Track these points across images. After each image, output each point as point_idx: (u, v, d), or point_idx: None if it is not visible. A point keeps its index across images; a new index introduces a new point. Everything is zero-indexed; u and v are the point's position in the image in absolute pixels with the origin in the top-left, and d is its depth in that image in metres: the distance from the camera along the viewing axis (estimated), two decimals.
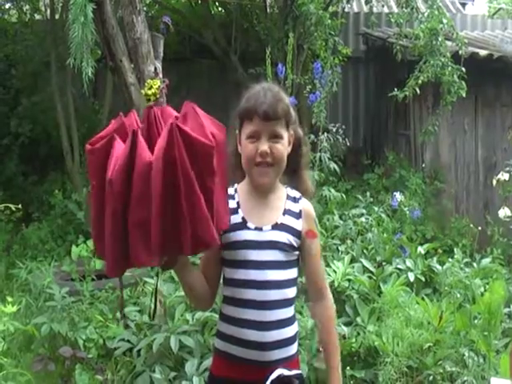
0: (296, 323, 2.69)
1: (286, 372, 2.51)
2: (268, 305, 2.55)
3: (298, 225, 2.63)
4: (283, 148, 2.56)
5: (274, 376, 2.48)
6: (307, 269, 2.71)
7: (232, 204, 2.59)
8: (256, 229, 2.57)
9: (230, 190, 2.62)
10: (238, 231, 2.55)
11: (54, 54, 10.16)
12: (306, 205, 2.71)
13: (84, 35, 6.61)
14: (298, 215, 2.65)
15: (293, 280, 2.63)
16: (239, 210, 2.60)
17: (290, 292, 2.62)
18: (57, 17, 10.96)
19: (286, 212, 2.64)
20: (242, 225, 2.57)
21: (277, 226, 2.59)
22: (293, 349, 2.65)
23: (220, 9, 12.91)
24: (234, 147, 2.65)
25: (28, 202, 10.21)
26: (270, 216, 2.61)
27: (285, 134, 2.57)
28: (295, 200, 2.69)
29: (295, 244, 2.61)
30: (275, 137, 2.54)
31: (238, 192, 2.66)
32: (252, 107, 2.52)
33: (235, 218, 2.57)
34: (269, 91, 2.57)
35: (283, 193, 2.69)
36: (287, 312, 2.61)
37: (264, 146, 2.51)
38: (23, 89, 11.52)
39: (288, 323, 2.62)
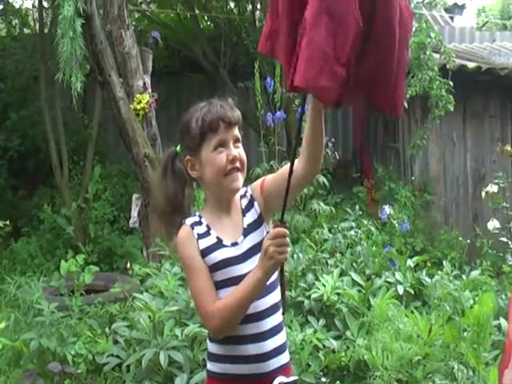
0: (284, 329, 2.69)
1: (285, 379, 2.55)
2: (264, 313, 2.57)
3: (257, 210, 2.64)
4: (243, 151, 2.60)
5: None
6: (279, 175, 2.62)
7: (202, 229, 2.58)
8: (232, 245, 2.57)
9: (194, 218, 2.63)
10: (215, 252, 2.54)
11: (43, 68, 10.16)
12: (250, 186, 2.71)
13: (73, 50, 6.63)
14: (251, 203, 2.65)
15: (277, 280, 2.62)
16: (211, 232, 2.58)
17: (277, 294, 2.63)
18: (46, 31, 10.96)
19: (245, 211, 2.64)
20: (219, 244, 2.56)
21: (246, 231, 2.60)
22: (286, 356, 2.66)
23: (209, 23, 12.94)
24: (174, 188, 2.64)
25: (17, 216, 10.21)
26: (238, 225, 2.61)
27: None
28: (245, 195, 2.68)
29: (267, 229, 2.63)
30: (237, 141, 2.58)
31: (203, 216, 2.63)
32: (215, 117, 2.52)
33: (210, 240, 2.56)
34: (216, 102, 2.59)
35: (237, 195, 2.68)
36: (278, 317, 2.63)
37: (234, 152, 2.53)
38: (12, 103, 11.52)
39: (280, 329, 2.64)
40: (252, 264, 2.48)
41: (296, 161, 2.44)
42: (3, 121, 11.33)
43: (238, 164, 2.55)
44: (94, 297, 6.15)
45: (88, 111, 11.56)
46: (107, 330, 5.43)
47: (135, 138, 7.32)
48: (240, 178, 2.58)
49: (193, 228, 2.57)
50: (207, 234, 2.57)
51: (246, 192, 2.68)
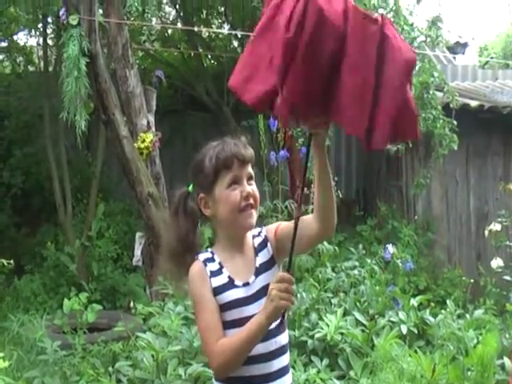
0: (290, 370, 2.70)
1: None
2: (272, 354, 2.57)
3: (269, 251, 2.65)
4: (256, 189, 2.61)
5: None
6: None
7: (214, 266, 2.58)
8: (244, 285, 2.57)
9: (207, 254, 2.63)
10: (227, 292, 2.54)
11: (47, 106, 10.19)
12: (265, 228, 2.73)
13: (77, 89, 6.68)
14: (265, 243, 2.66)
15: (285, 321, 2.61)
16: (223, 270, 2.58)
17: (286, 336, 2.65)
18: (50, 69, 11.02)
19: (257, 250, 2.65)
20: (230, 284, 2.56)
21: (258, 271, 2.60)
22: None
23: (212, 61, 13.02)
24: (186, 228, 2.65)
25: (20, 253, 10.19)
26: (250, 265, 2.61)
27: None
28: (259, 234, 2.69)
29: (279, 270, 2.64)
30: (250, 178, 2.59)
31: (215, 253, 2.63)
32: (229, 154, 2.54)
33: (222, 279, 2.56)
34: (230, 140, 2.62)
35: (249, 234, 2.69)
36: (286, 358, 2.65)
37: (248, 188, 2.55)
38: (16, 140, 11.55)
39: (287, 370, 2.66)
40: (261, 305, 2.48)
41: (310, 216, 2.50)
42: (7, 158, 11.36)
43: (251, 201, 2.55)
44: (97, 335, 6.15)
45: (92, 149, 11.60)
46: (110, 369, 5.41)
47: (139, 176, 7.33)
48: (254, 215, 2.58)
49: (206, 265, 2.57)
50: (219, 272, 2.57)
51: (260, 232, 2.69)
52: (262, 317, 2.37)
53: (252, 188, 2.58)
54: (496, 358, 5.49)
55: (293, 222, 2.50)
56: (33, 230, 10.98)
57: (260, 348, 2.50)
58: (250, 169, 2.60)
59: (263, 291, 2.53)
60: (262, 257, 2.64)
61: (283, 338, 2.62)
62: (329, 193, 2.47)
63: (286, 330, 2.65)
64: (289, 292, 2.32)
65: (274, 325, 2.44)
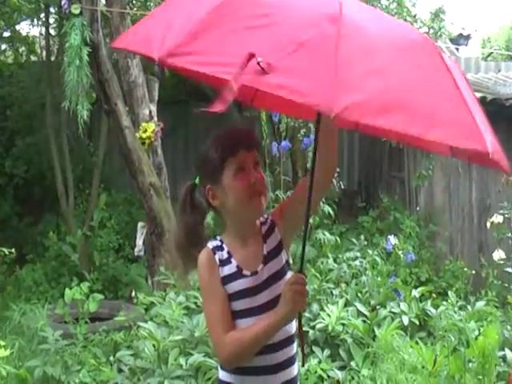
0: (296, 362, 2.69)
1: None
2: (278, 345, 2.57)
3: (277, 236, 2.64)
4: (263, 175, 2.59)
5: None
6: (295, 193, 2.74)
7: (223, 255, 2.57)
8: (252, 274, 2.56)
9: (216, 242, 2.61)
10: (235, 281, 2.53)
11: (50, 95, 10.17)
12: (270, 213, 2.73)
13: (79, 78, 6.67)
14: (272, 229, 2.65)
15: None
16: (232, 260, 2.56)
17: (292, 326, 2.64)
18: (53, 59, 11.01)
19: (265, 237, 2.63)
20: (238, 274, 2.55)
21: (266, 258, 2.59)
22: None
23: None
24: (194, 221, 2.64)
25: (22, 243, 10.19)
26: (258, 253, 2.60)
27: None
28: (266, 221, 2.68)
29: (286, 256, 2.64)
30: (256, 164, 2.56)
31: (224, 241, 2.62)
32: (234, 142, 2.52)
33: (230, 268, 2.55)
34: (234, 129, 2.67)
35: (257, 222, 2.68)
36: (292, 349, 2.65)
37: (255, 175, 2.52)
38: (18, 130, 11.54)
39: (293, 361, 2.66)
40: (271, 293, 2.51)
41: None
42: (9, 148, 11.34)
43: (259, 187, 2.53)
44: (98, 325, 6.15)
45: (94, 139, 11.57)
46: (111, 358, 5.42)
47: (140, 166, 7.33)
48: (263, 201, 2.55)
49: (215, 253, 2.56)
50: (228, 261, 2.56)
51: (266, 219, 2.68)
52: (277, 318, 2.37)
53: (259, 174, 2.55)
54: (497, 350, 5.49)
55: (293, 192, 2.52)
56: (35, 220, 10.98)
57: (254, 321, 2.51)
58: (255, 155, 2.57)
59: (272, 279, 2.56)
60: (270, 243, 2.62)
61: (290, 327, 2.62)
62: (330, 151, 2.49)
63: (294, 320, 2.63)
64: (303, 294, 2.34)
65: None
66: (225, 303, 2.51)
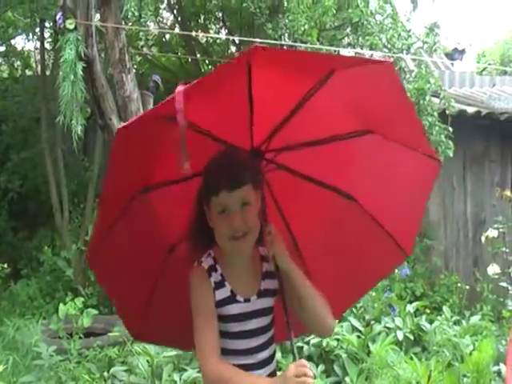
0: None
1: None
2: (260, 365, 2.59)
3: (275, 285, 2.61)
4: (254, 212, 2.50)
5: None
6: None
7: (216, 277, 2.54)
8: (245, 301, 2.55)
9: (209, 261, 2.57)
10: (228, 306, 2.53)
11: (45, 110, 10.16)
12: None
13: (74, 93, 6.65)
14: (273, 276, 2.61)
15: (272, 337, 2.67)
16: (225, 283, 2.54)
17: (272, 349, 2.68)
18: (48, 73, 11.02)
19: (265, 276, 2.62)
20: (232, 298, 2.53)
21: (261, 294, 2.58)
22: None
23: (210, 66, 13.02)
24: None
25: (17, 258, 10.17)
26: (254, 283, 2.60)
27: (253, 198, 2.51)
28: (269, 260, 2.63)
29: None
30: (244, 204, 2.46)
31: (218, 261, 2.58)
32: (218, 180, 2.44)
33: (224, 292, 2.53)
34: (228, 158, 2.51)
35: (256, 253, 2.65)
36: (272, 368, 2.66)
37: (236, 220, 2.44)
38: (13, 144, 11.49)
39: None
40: (261, 321, 2.55)
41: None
42: (4, 162, 11.30)
43: (242, 230, 2.46)
44: (92, 340, 6.13)
45: (89, 153, 11.55)
46: (106, 374, 5.41)
47: None
48: (245, 244, 2.51)
49: (210, 275, 2.53)
50: (222, 284, 2.54)
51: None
52: None
53: (243, 214, 2.46)
54: (492, 365, 5.49)
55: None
56: (30, 235, 10.94)
57: (243, 343, 2.56)
58: (243, 193, 2.46)
59: (263, 311, 2.58)
60: (268, 284, 2.61)
61: (270, 351, 2.65)
62: (312, 303, 2.55)
63: (273, 344, 2.68)
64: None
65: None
66: (214, 322, 2.50)
